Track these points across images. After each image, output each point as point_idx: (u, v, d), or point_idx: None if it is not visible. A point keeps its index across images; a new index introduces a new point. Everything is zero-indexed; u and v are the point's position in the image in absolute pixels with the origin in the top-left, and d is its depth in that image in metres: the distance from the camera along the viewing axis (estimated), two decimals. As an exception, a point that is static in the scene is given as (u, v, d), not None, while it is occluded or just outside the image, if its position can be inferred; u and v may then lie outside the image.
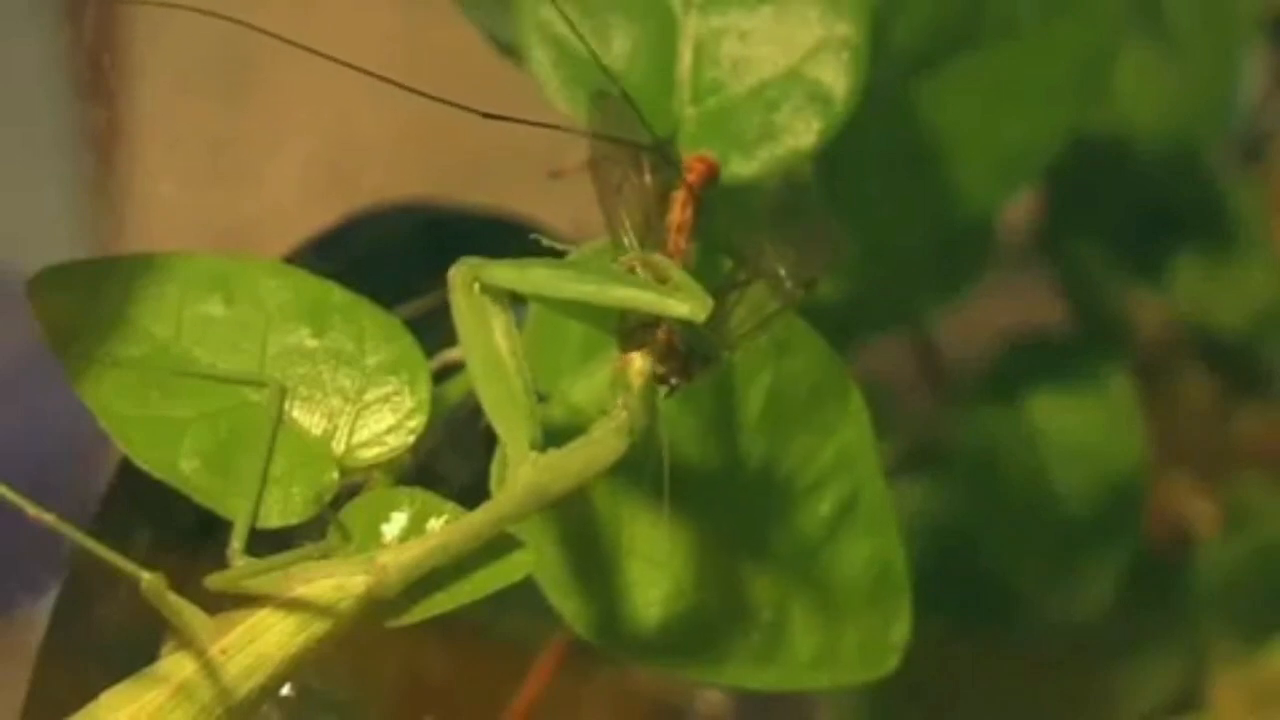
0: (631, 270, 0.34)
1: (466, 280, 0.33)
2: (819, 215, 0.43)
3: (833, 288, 0.52)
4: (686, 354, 0.33)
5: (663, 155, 0.36)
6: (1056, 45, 0.49)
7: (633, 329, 0.33)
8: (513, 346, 0.34)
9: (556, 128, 0.35)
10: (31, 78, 0.61)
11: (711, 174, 0.37)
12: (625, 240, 0.35)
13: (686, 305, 0.33)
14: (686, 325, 0.33)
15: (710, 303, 0.33)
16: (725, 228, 0.37)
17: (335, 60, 0.33)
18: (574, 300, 0.34)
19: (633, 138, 0.36)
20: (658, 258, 0.34)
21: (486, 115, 0.33)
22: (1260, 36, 0.64)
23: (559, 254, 0.36)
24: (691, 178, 0.36)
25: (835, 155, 0.41)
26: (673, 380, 0.33)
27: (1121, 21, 0.51)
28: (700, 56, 0.41)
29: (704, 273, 0.36)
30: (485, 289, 0.33)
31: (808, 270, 0.35)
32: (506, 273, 0.33)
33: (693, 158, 0.37)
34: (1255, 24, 0.63)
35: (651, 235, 0.36)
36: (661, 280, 0.34)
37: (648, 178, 0.36)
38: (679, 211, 0.36)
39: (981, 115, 0.49)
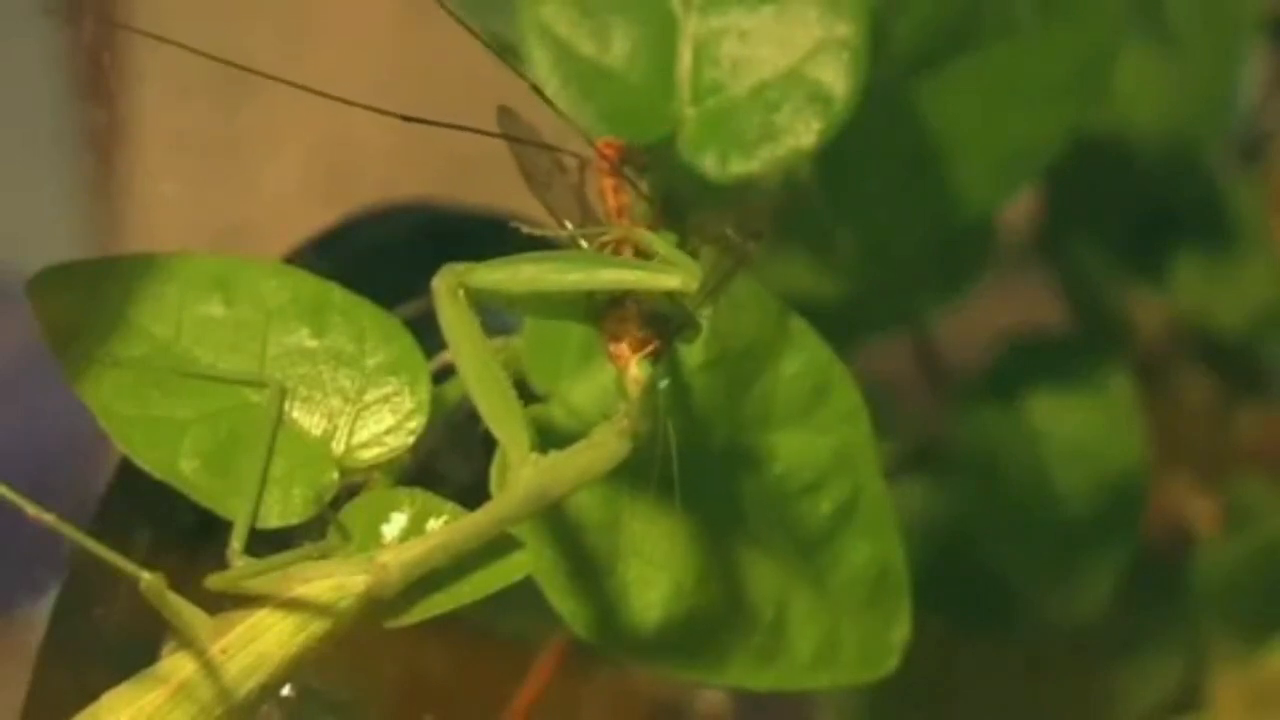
0: (616, 250, 0.34)
1: (451, 287, 0.33)
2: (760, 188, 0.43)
3: (833, 288, 0.52)
4: (658, 323, 0.33)
5: (572, 153, 0.37)
6: (1056, 45, 0.49)
7: (603, 305, 0.34)
8: (496, 355, 0.34)
9: (480, 132, 0.35)
10: (31, 78, 0.61)
11: (619, 154, 0.37)
12: (568, 228, 0.35)
13: (676, 277, 0.33)
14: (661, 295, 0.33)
15: (699, 270, 0.33)
16: (672, 206, 0.38)
17: (313, 92, 0.33)
18: (562, 291, 0.34)
19: (539, 140, 0.37)
20: (640, 231, 0.35)
21: (406, 119, 0.33)
22: (1260, 36, 0.64)
23: (544, 244, 0.36)
24: (605, 166, 0.36)
25: (835, 155, 0.41)
26: (650, 349, 0.33)
27: (1121, 21, 0.51)
28: (700, 56, 0.41)
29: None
30: (470, 294, 0.33)
31: (753, 226, 0.35)
32: (492, 274, 0.33)
33: (600, 143, 0.37)
34: (1255, 24, 0.63)
35: (593, 223, 0.36)
36: (647, 255, 0.34)
37: (570, 174, 0.37)
38: (611, 199, 0.36)
39: (981, 115, 0.49)
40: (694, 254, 0.35)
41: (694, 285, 0.33)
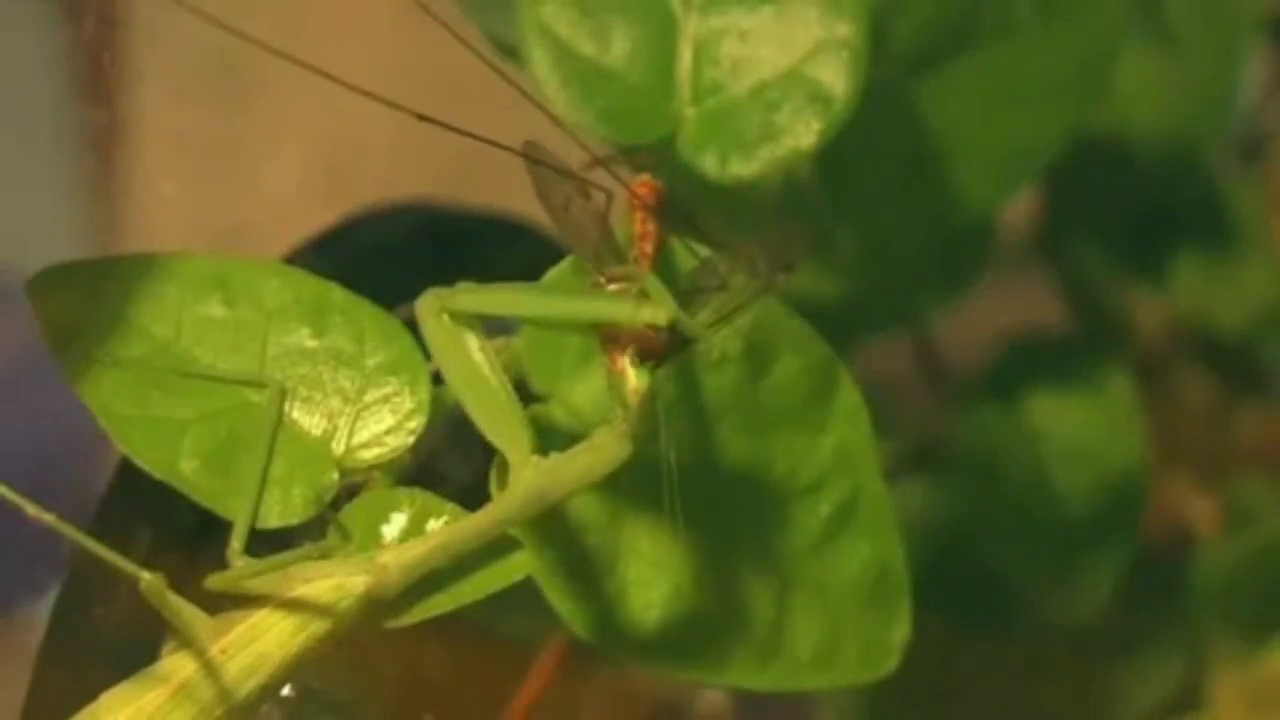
0: (602, 282, 0.34)
1: (435, 310, 0.34)
2: (783, 215, 0.43)
3: (833, 288, 0.52)
4: (663, 338, 0.33)
5: (599, 184, 0.37)
6: (1056, 45, 0.49)
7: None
8: (491, 362, 0.34)
9: (494, 144, 0.35)
10: (31, 78, 0.61)
11: (659, 197, 0.37)
12: (595, 260, 0.36)
13: (648, 312, 0.33)
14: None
15: (673, 309, 0.33)
16: (701, 219, 0.38)
17: (317, 71, 0.33)
18: (542, 319, 0.34)
19: (568, 168, 0.37)
20: (626, 268, 0.35)
21: (421, 118, 0.34)
22: (1260, 36, 0.64)
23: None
24: (639, 204, 0.37)
25: (835, 155, 0.41)
26: (651, 362, 0.33)
27: (1121, 21, 0.51)
28: (700, 56, 0.41)
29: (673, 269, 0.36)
30: (453, 316, 0.34)
31: (785, 257, 0.35)
32: (472, 299, 0.34)
33: (638, 184, 0.37)
34: (1255, 24, 0.63)
35: (610, 247, 0.36)
36: (631, 288, 0.34)
37: (591, 199, 0.37)
38: (640, 225, 0.36)
39: (981, 115, 0.49)
40: (724, 279, 0.35)
41: (664, 322, 0.33)
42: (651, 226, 0.36)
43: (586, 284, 0.35)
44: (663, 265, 0.36)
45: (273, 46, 0.33)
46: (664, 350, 0.34)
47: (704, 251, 0.36)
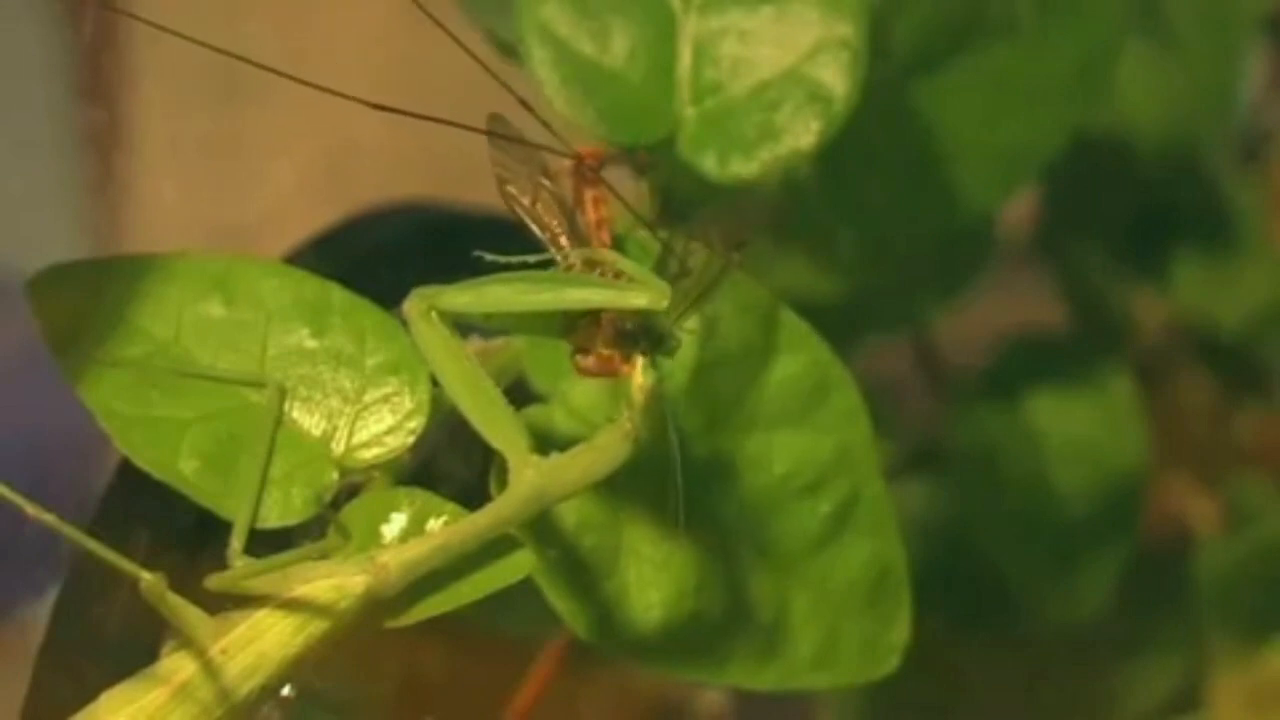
0: (584, 270, 0.34)
1: (423, 310, 0.33)
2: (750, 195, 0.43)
3: (833, 287, 0.52)
4: (636, 334, 0.33)
5: (558, 161, 0.36)
6: (1056, 45, 0.49)
7: (575, 323, 0.34)
8: (481, 364, 0.34)
9: (461, 126, 0.35)
10: (31, 78, 0.61)
11: (597, 160, 0.37)
12: (554, 246, 0.36)
13: (645, 296, 0.33)
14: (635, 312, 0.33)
15: (668, 288, 0.33)
16: (672, 206, 0.38)
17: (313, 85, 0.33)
18: (533, 312, 0.34)
19: (530, 144, 0.37)
20: (605, 253, 0.35)
21: (376, 107, 0.33)
22: (1260, 36, 0.64)
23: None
24: (588, 175, 0.36)
25: (835, 155, 0.41)
26: (629, 361, 0.33)
27: (1122, 21, 0.51)
28: (700, 56, 0.41)
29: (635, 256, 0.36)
30: (442, 315, 0.33)
31: (737, 235, 0.35)
32: (460, 297, 0.33)
33: (584, 152, 0.37)
34: (1255, 24, 0.63)
35: (576, 237, 0.36)
36: (614, 275, 0.34)
37: (553, 184, 0.37)
38: (593, 211, 0.36)
39: (981, 115, 0.49)
40: (683, 262, 0.35)
41: (662, 303, 0.33)
42: (604, 211, 0.36)
43: (573, 272, 0.35)
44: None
45: (268, 59, 0.33)
46: (638, 345, 0.33)
47: (660, 236, 0.36)
